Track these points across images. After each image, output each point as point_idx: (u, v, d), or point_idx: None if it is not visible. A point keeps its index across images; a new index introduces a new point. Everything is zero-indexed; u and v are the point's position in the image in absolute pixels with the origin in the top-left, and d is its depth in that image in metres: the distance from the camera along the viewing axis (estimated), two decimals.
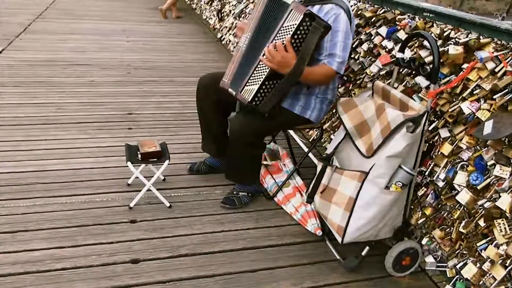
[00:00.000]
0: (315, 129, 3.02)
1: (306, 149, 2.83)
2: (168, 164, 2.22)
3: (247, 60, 2.09)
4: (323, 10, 2.05)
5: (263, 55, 1.98)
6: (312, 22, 1.87)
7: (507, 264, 1.58)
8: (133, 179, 2.39)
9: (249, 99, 2.04)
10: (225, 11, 5.79)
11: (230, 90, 2.14)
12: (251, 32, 2.10)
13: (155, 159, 2.23)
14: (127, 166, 2.18)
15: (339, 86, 2.78)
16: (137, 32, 6.06)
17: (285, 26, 1.93)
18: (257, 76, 2.03)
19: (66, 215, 2.14)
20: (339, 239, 1.81)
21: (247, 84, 2.06)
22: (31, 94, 3.61)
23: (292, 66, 1.92)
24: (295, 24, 1.89)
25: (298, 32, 1.90)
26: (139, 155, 2.22)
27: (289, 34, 1.90)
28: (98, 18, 6.76)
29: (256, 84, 2.02)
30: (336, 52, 2.00)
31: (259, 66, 2.02)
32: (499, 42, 1.72)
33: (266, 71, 1.99)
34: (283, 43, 1.91)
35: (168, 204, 2.25)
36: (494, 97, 1.65)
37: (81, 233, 2.02)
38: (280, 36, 1.95)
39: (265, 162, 2.57)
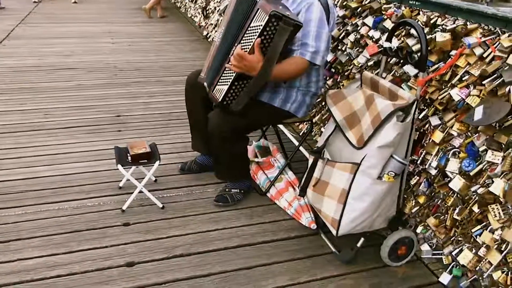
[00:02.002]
0: (305, 123, 3.01)
1: (296, 143, 2.82)
2: (159, 164, 2.20)
3: (219, 56, 2.07)
4: (296, 1, 2.01)
5: (229, 61, 1.95)
6: (279, 22, 1.80)
7: (502, 249, 1.58)
8: (124, 182, 2.36)
9: (220, 99, 2.03)
10: (210, 8, 5.75)
11: (205, 84, 2.13)
12: (224, 27, 2.08)
13: (146, 161, 2.20)
14: (118, 169, 2.16)
15: (327, 78, 2.77)
16: (122, 33, 6.01)
17: (252, 27, 1.88)
18: (226, 76, 2.01)
19: (59, 221, 2.11)
20: (334, 232, 1.80)
21: (218, 84, 2.04)
22: (18, 101, 3.56)
23: (258, 70, 1.89)
24: (261, 25, 1.82)
25: (265, 33, 1.84)
26: (129, 157, 2.19)
27: (257, 35, 1.85)
28: (82, 20, 6.69)
29: (225, 84, 2.01)
30: (309, 42, 1.94)
31: (227, 68, 2.00)
32: (486, 28, 1.71)
33: (234, 73, 1.96)
34: (250, 45, 1.87)
35: (160, 205, 2.23)
36: (483, 82, 1.64)
37: (74, 239, 1.99)
38: (247, 36, 1.91)
39: (256, 159, 2.55)
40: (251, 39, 1.88)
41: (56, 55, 4.84)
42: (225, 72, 2.02)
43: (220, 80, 2.04)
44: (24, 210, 2.18)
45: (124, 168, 2.17)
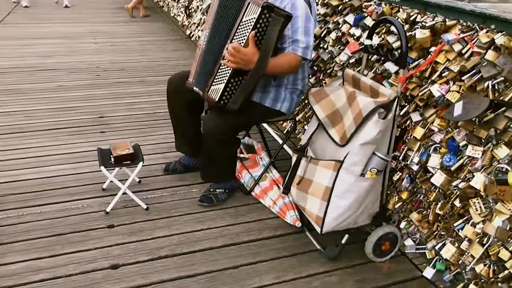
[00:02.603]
0: (288, 121, 3.02)
1: (281, 142, 2.83)
2: (143, 165, 2.18)
3: (209, 58, 2.06)
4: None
5: (223, 58, 1.95)
6: (271, 14, 1.84)
7: (484, 242, 1.61)
8: (108, 184, 2.34)
9: (217, 99, 2.02)
10: (193, 7, 5.73)
11: (195, 89, 2.12)
12: (209, 29, 2.08)
13: (129, 162, 2.18)
14: (101, 171, 2.13)
15: (310, 76, 2.78)
16: (105, 33, 5.94)
17: (244, 21, 1.90)
18: (221, 75, 2.00)
19: (42, 225, 2.08)
20: (318, 229, 1.81)
21: (213, 84, 2.03)
22: None
23: (255, 62, 1.90)
24: (254, 17, 1.86)
25: (259, 26, 1.87)
26: (112, 159, 2.17)
27: (250, 28, 1.88)
28: (63, 21, 6.60)
29: (221, 83, 2.00)
30: (299, 37, 1.97)
31: (222, 65, 1.99)
32: (464, 24, 1.74)
33: (230, 70, 1.97)
34: (244, 39, 1.88)
35: (145, 206, 2.22)
36: (463, 78, 1.67)
37: (58, 242, 1.97)
38: (240, 31, 1.92)
39: (241, 155, 2.55)
40: (245, 33, 1.90)
41: (37, 56, 4.77)
42: (220, 70, 2.01)
43: (215, 80, 2.03)
44: (6, 214, 2.14)
45: (107, 170, 2.15)
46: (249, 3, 1.88)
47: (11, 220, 2.10)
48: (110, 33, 5.96)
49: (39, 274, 1.79)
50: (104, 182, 2.35)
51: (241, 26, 1.91)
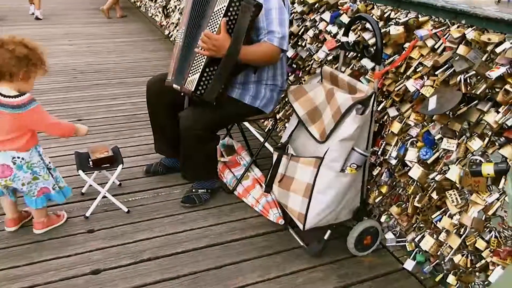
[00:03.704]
0: (269, 119, 3.02)
1: (262, 140, 2.83)
2: (123, 168, 2.16)
3: (186, 54, 2.08)
4: None
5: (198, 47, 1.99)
6: (241, 2, 1.90)
7: (461, 233, 1.64)
8: (87, 188, 2.31)
9: (193, 89, 2.03)
10: (171, 7, 5.68)
11: (175, 86, 2.11)
12: (185, 26, 2.10)
13: (108, 165, 2.16)
14: (79, 175, 2.10)
15: (289, 74, 2.79)
16: (81, 35, 5.84)
17: (216, 11, 1.95)
18: (196, 65, 2.03)
19: (18, 232, 2.04)
20: (301, 226, 1.82)
21: (189, 75, 2.05)
22: None
23: (227, 48, 1.92)
24: (224, 6, 1.91)
25: (229, 13, 1.92)
26: (91, 162, 2.14)
27: (221, 16, 1.92)
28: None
29: (197, 73, 2.02)
30: (274, 28, 2.00)
31: (197, 55, 2.02)
32: (436, 20, 1.77)
33: (204, 59, 2.00)
34: (217, 27, 1.93)
35: (126, 209, 2.20)
36: (436, 73, 1.70)
37: (35, 249, 1.94)
38: (212, 21, 1.96)
39: (222, 159, 2.54)
40: (217, 21, 1.94)
41: None
42: (194, 61, 2.03)
43: (190, 71, 2.04)
44: None
45: (85, 174, 2.12)
46: None
47: None
48: (87, 34, 5.86)
49: (16, 282, 1.76)
50: (83, 187, 2.32)
51: (213, 16, 1.96)
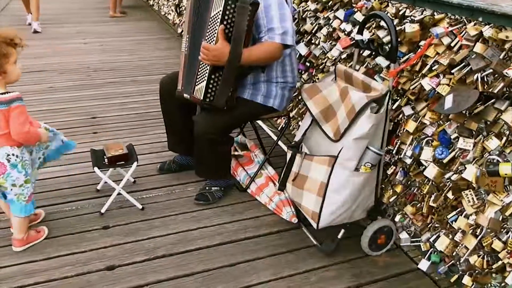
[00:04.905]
0: (282, 117, 3.02)
1: (275, 138, 2.83)
2: (137, 165, 2.18)
3: (191, 62, 2.08)
4: None
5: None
6: (236, 3, 1.87)
7: (477, 233, 1.62)
8: (102, 185, 2.33)
9: (202, 98, 2.03)
10: (183, 5, 5.70)
11: (185, 95, 2.13)
12: (188, 34, 2.10)
13: (123, 162, 2.18)
14: (94, 172, 2.13)
15: (302, 72, 2.78)
16: (94, 33, 5.90)
17: (212, 16, 1.93)
18: (202, 73, 2.03)
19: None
20: (314, 225, 1.82)
21: (196, 84, 2.05)
22: None
23: (227, 55, 1.92)
24: (220, 10, 1.89)
25: (226, 17, 1.90)
26: (106, 160, 2.16)
27: (218, 22, 1.91)
28: (51, 21, 6.53)
29: (203, 81, 2.02)
30: (274, 25, 1.98)
31: (201, 63, 2.02)
32: (452, 17, 1.75)
33: (208, 66, 1.99)
34: (214, 37, 1.91)
35: (140, 207, 2.21)
36: (452, 71, 1.68)
37: (52, 245, 1.96)
38: (210, 28, 1.95)
39: (236, 153, 2.55)
40: (215, 28, 1.92)
41: (25, 58, 4.68)
42: (199, 69, 2.03)
43: (197, 79, 2.05)
44: None
45: (101, 171, 2.14)
46: None
47: (4, 224, 2.08)
48: (100, 33, 5.92)
49: (33, 277, 1.78)
50: (98, 183, 2.34)
51: (210, 22, 1.95)
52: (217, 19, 1.92)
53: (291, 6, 2.16)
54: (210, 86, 2.02)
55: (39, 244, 1.96)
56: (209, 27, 1.95)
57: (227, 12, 1.89)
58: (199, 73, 2.04)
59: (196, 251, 1.95)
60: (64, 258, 1.89)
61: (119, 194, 2.19)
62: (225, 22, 1.90)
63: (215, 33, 1.93)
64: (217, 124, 2.09)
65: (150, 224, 2.12)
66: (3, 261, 1.86)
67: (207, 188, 2.31)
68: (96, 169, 2.12)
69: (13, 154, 1.77)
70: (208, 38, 1.97)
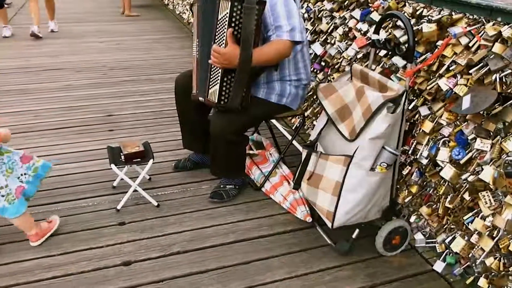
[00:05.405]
0: (297, 117, 3.02)
1: (289, 137, 2.84)
2: (153, 163, 2.20)
3: (203, 66, 2.09)
4: None
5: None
6: (242, 4, 1.85)
7: (494, 235, 1.61)
8: (118, 181, 2.36)
9: (216, 100, 2.04)
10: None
11: (200, 99, 2.14)
12: (198, 38, 2.11)
13: (139, 159, 2.20)
14: (111, 168, 2.16)
15: (317, 71, 2.78)
16: (110, 32, 5.97)
17: (220, 19, 1.92)
18: (214, 77, 2.04)
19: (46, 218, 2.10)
20: (329, 224, 1.82)
21: (210, 87, 2.07)
22: (6, 103, 3.52)
23: (238, 57, 1.91)
24: (227, 13, 1.88)
25: (234, 20, 1.89)
26: (122, 157, 2.19)
27: (226, 25, 1.90)
28: (68, 20, 6.62)
29: (216, 84, 2.03)
30: (281, 23, 1.97)
31: (213, 67, 2.03)
32: (471, 17, 1.73)
33: (220, 69, 2.00)
34: (224, 40, 1.91)
35: (155, 203, 2.24)
36: (470, 71, 1.67)
37: (69, 240, 1.99)
38: (219, 31, 1.95)
39: (251, 152, 2.56)
40: (224, 32, 1.92)
41: (43, 56, 4.80)
42: (211, 72, 2.04)
43: (210, 83, 2.06)
44: None
45: (117, 168, 2.17)
46: (219, 0, 1.91)
47: None
48: (116, 32, 5.98)
49: (50, 271, 1.82)
50: (114, 180, 2.37)
51: (219, 25, 1.94)
52: (224, 22, 1.91)
53: (299, 3, 2.15)
54: (224, 88, 2.02)
55: (56, 239, 1.99)
56: (217, 30, 1.95)
57: (234, 14, 1.88)
58: (211, 77, 2.05)
59: (210, 248, 1.97)
60: (81, 253, 1.92)
61: (135, 191, 2.22)
62: (233, 24, 1.89)
63: (224, 35, 1.92)
64: (233, 124, 2.10)
65: (165, 221, 2.14)
66: (21, 256, 1.89)
67: (221, 186, 2.32)
68: (113, 166, 2.15)
69: None
70: (217, 41, 1.97)
